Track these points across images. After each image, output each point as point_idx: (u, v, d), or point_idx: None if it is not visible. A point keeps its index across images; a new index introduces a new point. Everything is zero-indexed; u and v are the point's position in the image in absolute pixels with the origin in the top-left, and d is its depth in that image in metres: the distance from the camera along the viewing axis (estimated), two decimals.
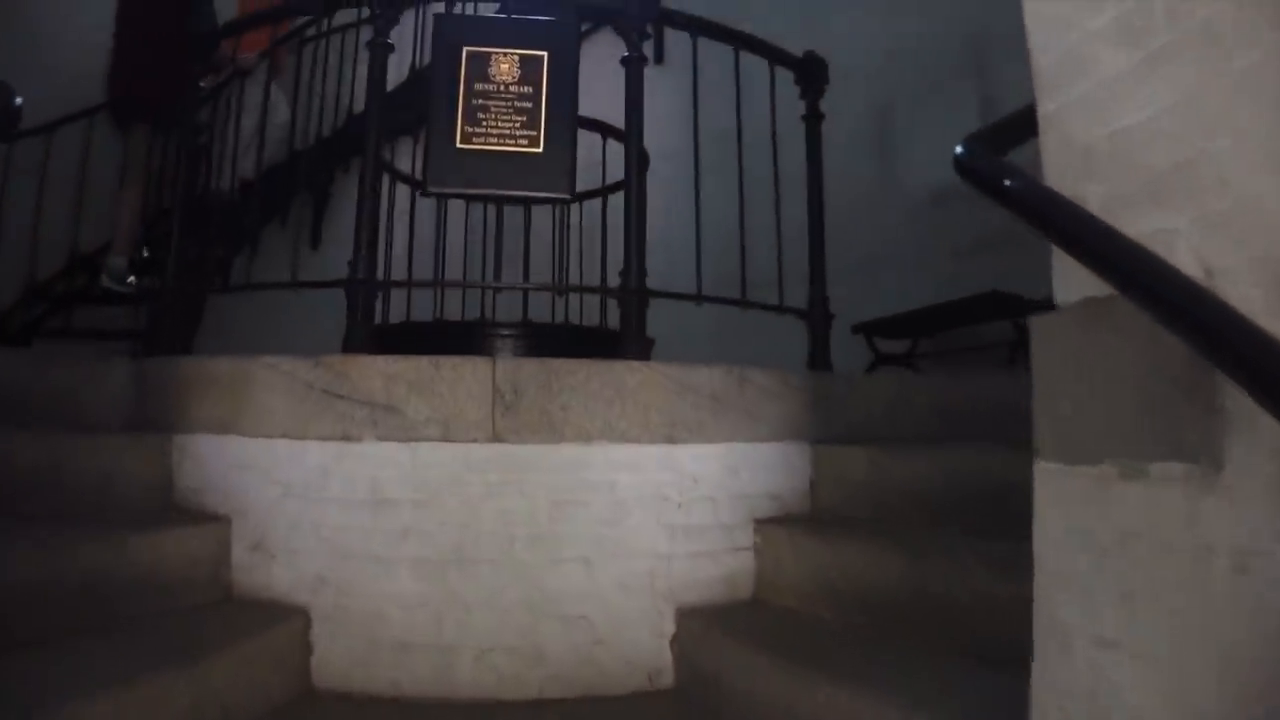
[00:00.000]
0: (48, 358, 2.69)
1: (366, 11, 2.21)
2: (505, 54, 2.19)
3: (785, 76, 2.56)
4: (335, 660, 1.70)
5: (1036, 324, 1.00)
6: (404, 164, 3.36)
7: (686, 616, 1.78)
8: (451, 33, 2.26)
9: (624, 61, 2.22)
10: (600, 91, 2.47)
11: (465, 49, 2.19)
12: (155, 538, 1.66)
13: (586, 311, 2.91)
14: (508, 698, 1.69)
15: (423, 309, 2.88)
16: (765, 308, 2.34)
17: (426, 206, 2.83)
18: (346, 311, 2.00)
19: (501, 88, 2.19)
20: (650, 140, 2.31)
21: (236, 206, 3.38)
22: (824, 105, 2.59)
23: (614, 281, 2.18)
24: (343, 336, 2.00)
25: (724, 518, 1.88)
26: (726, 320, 2.47)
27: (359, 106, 3.34)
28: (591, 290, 2.42)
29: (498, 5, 3.08)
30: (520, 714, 1.65)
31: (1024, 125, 1.06)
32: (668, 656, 1.78)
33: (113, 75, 3.57)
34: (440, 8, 2.54)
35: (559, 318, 2.87)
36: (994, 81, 3.42)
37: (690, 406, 1.87)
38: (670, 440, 1.84)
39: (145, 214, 3.58)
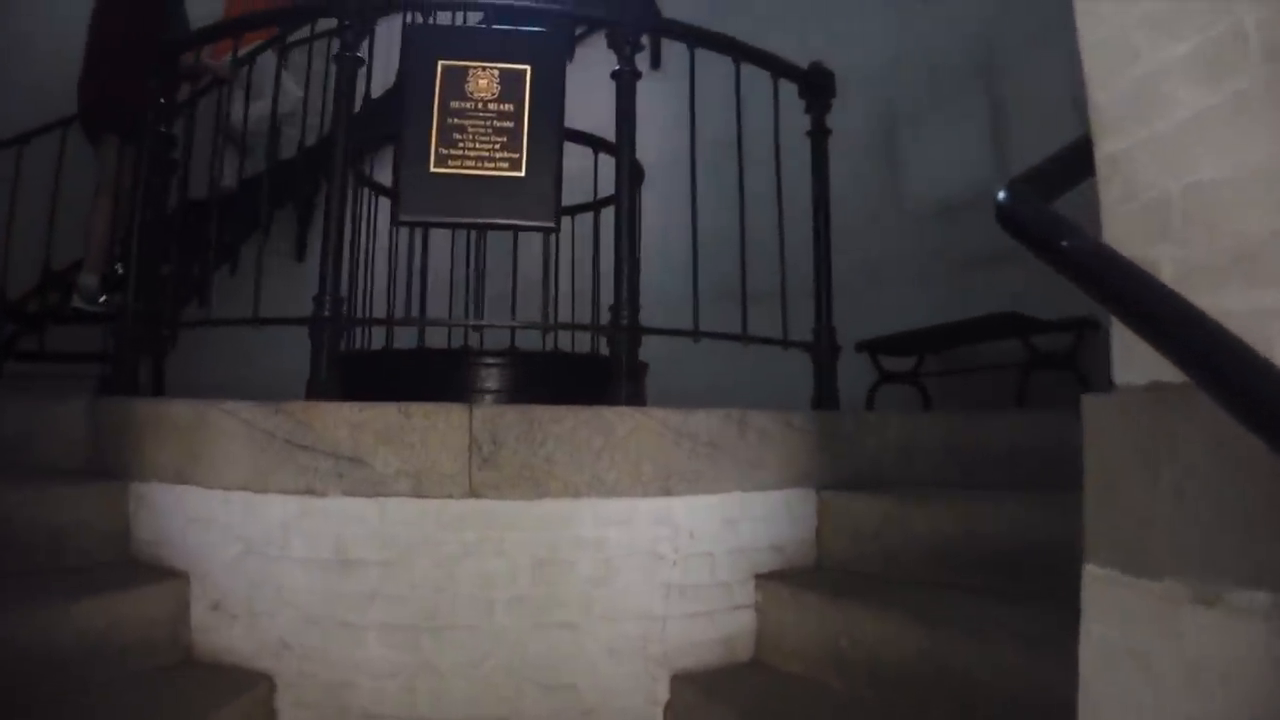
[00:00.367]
0: (10, 392, 2.59)
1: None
2: (484, 68, 2.00)
3: (788, 87, 2.39)
4: None
5: (1090, 405, 0.86)
6: (388, 175, 3.20)
7: (682, 682, 1.66)
8: (424, 44, 2.07)
9: (615, 75, 2.07)
10: (597, 97, 2.28)
11: (440, 62, 1.99)
12: (111, 600, 1.58)
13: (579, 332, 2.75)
14: None
15: (406, 330, 2.73)
16: (767, 341, 2.17)
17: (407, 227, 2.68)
18: (311, 353, 1.83)
19: (480, 105, 2.00)
20: (647, 150, 2.16)
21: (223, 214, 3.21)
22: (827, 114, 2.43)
23: (607, 299, 2.03)
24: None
25: (722, 575, 1.74)
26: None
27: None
28: (582, 328, 2.25)
29: (480, 16, 2.90)
30: None
31: (1077, 165, 0.91)
32: None
33: (83, 83, 3.43)
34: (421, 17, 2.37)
35: (549, 335, 2.69)
36: (1002, 91, 3.28)
37: (686, 455, 1.72)
38: (665, 493, 1.70)
39: (117, 228, 3.43)
